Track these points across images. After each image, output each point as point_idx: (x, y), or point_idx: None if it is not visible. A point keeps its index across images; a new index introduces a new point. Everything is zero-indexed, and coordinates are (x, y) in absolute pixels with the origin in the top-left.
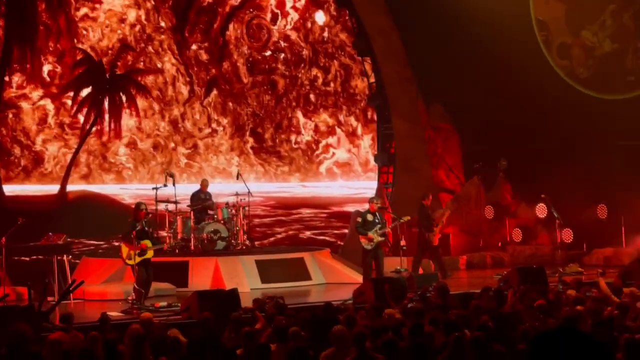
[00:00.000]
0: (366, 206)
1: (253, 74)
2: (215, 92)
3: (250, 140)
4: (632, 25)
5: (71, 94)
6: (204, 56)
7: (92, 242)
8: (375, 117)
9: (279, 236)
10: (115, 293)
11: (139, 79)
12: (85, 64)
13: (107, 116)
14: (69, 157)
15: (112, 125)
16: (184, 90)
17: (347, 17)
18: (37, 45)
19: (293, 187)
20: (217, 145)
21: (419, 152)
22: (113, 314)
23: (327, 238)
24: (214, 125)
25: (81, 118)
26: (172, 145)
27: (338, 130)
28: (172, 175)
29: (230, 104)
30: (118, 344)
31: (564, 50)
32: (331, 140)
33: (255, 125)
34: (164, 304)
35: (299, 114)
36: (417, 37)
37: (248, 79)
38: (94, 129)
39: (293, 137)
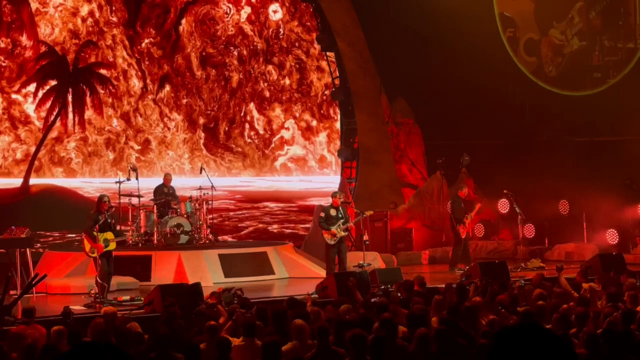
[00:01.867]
0: (330, 200)
1: (206, 68)
2: (167, 87)
3: (203, 135)
4: (599, 22)
5: (23, 88)
6: (157, 51)
7: (60, 234)
8: (330, 113)
9: (250, 229)
10: (78, 287)
11: (102, 72)
12: (48, 57)
13: (70, 109)
14: (19, 151)
15: (77, 118)
16: (136, 85)
17: (303, 12)
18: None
19: (254, 181)
20: (169, 140)
21: (382, 147)
22: (76, 307)
23: (298, 232)
24: (166, 120)
25: (33, 116)
26: (124, 140)
27: (293, 125)
28: (135, 169)
29: (183, 99)
30: (82, 337)
31: (531, 46)
32: (286, 135)
33: (209, 121)
34: (126, 297)
35: (253, 109)
36: (380, 32)
37: (201, 74)
38: (56, 121)
39: (247, 132)
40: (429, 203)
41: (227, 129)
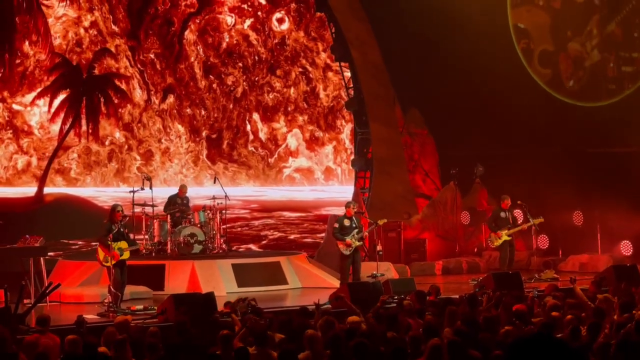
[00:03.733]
0: (344, 210)
1: (210, 78)
2: (171, 97)
3: (207, 146)
4: (619, 33)
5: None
6: (160, 62)
7: (84, 242)
8: (337, 124)
9: (271, 237)
10: (91, 296)
11: (116, 81)
12: (62, 67)
13: (84, 118)
14: (20, 161)
15: (91, 127)
16: (139, 96)
17: (308, 22)
18: (15, 48)
19: (266, 191)
20: (172, 151)
21: (395, 157)
22: (89, 316)
23: (319, 241)
24: (169, 130)
25: (35, 126)
26: (126, 150)
27: (298, 136)
28: (149, 179)
29: (187, 109)
30: (96, 346)
31: (546, 58)
32: (291, 146)
33: (212, 131)
34: (140, 307)
35: (257, 120)
36: (394, 42)
37: (205, 84)
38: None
39: (250, 143)
40: (442, 213)
41: (230, 139)
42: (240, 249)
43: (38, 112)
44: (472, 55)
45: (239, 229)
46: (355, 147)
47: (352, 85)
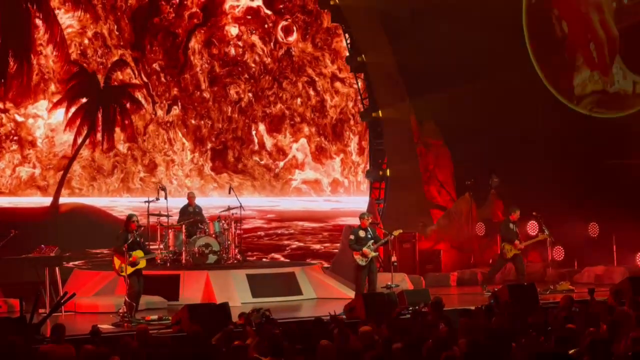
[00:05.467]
0: (358, 222)
1: (215, 89)
2: (176, 108)
3: (212, 156)
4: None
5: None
6: (166, 72)
7: (101, 250)
8: (344, 136)
9: (293, 246)
10: (106, 306)
11: (132, 91)
12: (78, 77)
13: (100, 128)
14: (23, 172)
15: (106, 137)
16: (144, 106)
17: (315, 33)
18: (32, 58)
19: (279, 202)
20: (177, 162)
21: (410, 168)
22: (104, 326)
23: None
24: (174, 141)
25: (39, 138)
26: (130, 161)
27: (305, 147)
28: (164, 189)
29: (192, 120)
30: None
31: None
32: (298, 158)
33: (218, 142)
34: (154, 317)
35: (263, 131)
36: (410, 53)
37: (210, 95)
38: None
39: (257, 154)
40: (457, 224)
41: (236, 150)
42: (264, 259)
43: (42, 123)
44: (490, 66)
45: (258, 239)
46: (370, 157)
47: (366, 96)
